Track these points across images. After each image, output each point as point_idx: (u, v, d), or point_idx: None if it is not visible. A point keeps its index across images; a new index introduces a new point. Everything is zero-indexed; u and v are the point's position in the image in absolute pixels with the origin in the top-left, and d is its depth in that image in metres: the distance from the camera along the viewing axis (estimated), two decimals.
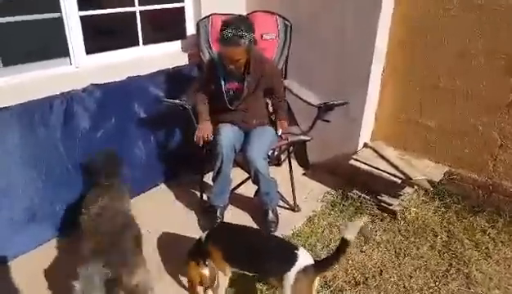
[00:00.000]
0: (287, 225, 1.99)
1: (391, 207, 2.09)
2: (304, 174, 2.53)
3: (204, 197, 2.19)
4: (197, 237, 1.57)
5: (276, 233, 1.91)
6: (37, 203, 1.83)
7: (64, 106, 1.88)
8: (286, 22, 2.15)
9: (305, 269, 1.26)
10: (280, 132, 1.95)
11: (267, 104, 2.14)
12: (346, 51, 2.20)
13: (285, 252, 1.33)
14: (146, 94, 2.18)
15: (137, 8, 2.17)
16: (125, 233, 1.45)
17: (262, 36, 2.11)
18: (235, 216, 2.08)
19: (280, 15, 2.17)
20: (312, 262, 1.29)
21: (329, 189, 2.35)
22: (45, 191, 1.84)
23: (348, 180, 2.33)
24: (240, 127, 1.94)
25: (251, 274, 1.46)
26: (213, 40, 2.14)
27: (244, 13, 2.32)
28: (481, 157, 2.08)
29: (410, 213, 2.08)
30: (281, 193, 2.12)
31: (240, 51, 1.67)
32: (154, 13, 2.30)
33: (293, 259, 1.28)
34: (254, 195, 2.07)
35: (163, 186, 2.38)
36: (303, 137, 2.01)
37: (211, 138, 1.87)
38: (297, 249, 1.33)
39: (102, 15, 2.06)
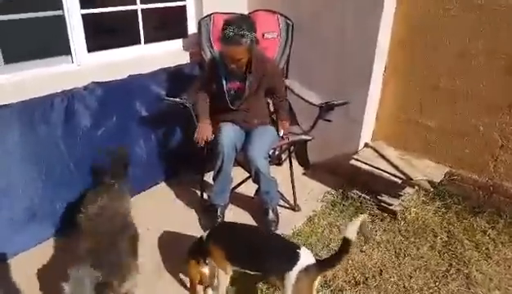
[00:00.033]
0: (287, 225, 1.99)
1: (391, 207, 2.09)
2: (305, 173, 2.53)
3: (205, 196, 2.19)
4: (197, 235, 1.58)
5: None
6: (37, 202, 1.83)
7: (65, 104, 1.88)
8: (288, 21, 2.15)
9: (307, 269, 1.26)
10: (281, 133, 1.95)
11: (269, 103, 2.14)
12: (347, 51, 2.20)
13: (287, 251, 1.33)
14: (148, 92, 2.19)
15: (139, 6, 2.17)
16: (121, 235, 1.44)
17: (263, 35, 2.11)
18: (235, 215, 2.08)
19: (281, 14, 2.17)
20: (314, 261, 1.29)
21: (329, 189, 2.36)
22: (45, 189, 1.84)
23: (349, 180, 2.33)
24: (242, 127, 1.94)
25: (252, 273, 1.46)
26: (215, 39, 2.14)
27: (246, 12, 2.32)
28: (481, 157, 2.08)
29: (410, 213, 2.08)
30: (282, 193, 2.13)
31: (242, 50, 1.67)
32: (155, 11, 2.30)
33: (295, 258, 1.28)
34: (255, 194, 2.07)
35: (163, 185, 2.38)
36: (304, 137, 2.01)
37: (210, 139, 1.87)
38: (299, 248, 1.33)
39: (104, 13, 2.06)
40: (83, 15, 1.92)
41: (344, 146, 2.37)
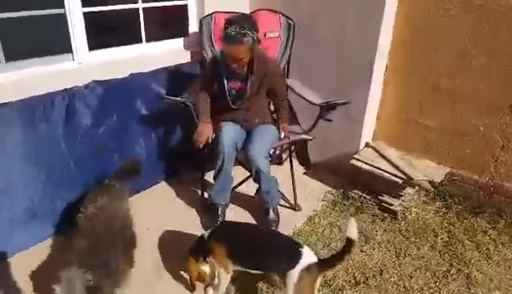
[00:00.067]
0: (288, 224, 1.99)
1: (392, 207, 2.09)
2: (305, 173, 2.53)
3: (205, 195, 2.19)
4: (198, 235, 1.58)
5: None
6: (37, 201, 1.82)
7: (65, 102, 1.87)
8: (289, 21, 2.15)
9: (309, 268, 1.27)
10: (282, 135, 1.95)
11: (270, 102, 2.14)
12: (347, 51, 2.20)
13: (290, 250, 1.34)
14: (148, 91, 2.18)
15: (140, 5, 2.17)
16: (118, 238, 1.43)
17: (265, 34, 2.11)
18: (236, 214, 2.08)
19: (283, 14, 2.17)
20: (316, 260, 1.29)
21: (330, 189, 2.35)
22: (45, 189, 1.83)
23: (349, 180, 2.33)
24: (242, 126, 1.94)
25: (253, 272, 1.46)
26: (216, 38, 2.14)
27: (248, 11, 2.32)
28: (482, 158, 2.08)
29: (410, 213, 2.08)
30: (282, 192, 2.12)
31: (243, 49, 1.67)
32: (157, 10, 2.29)
33: (297, 256, 1.29)
34: (255, 194, 2.07)
35: (163, 184, 2.38)
36: (304, 136, 2.01)
37: (211, 140, 1.86)
38: (301, 247, 1.33)
39: (105, 11, 2.06)
40: (85, 14, 1.92)
41: (345, 146, 2.37)
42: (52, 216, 1.88)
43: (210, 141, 1.88)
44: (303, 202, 2.18)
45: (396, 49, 2.18)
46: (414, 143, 2.30)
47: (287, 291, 1.29)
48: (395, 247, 1.88)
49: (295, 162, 2.35)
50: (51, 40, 2.05)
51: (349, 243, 1.21)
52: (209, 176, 2.07)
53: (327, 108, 1.86)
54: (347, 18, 2.14)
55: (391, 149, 2.33)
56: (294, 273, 1.26)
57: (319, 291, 1.59)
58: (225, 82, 1.85)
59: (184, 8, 2.37)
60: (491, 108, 1.98)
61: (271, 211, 1.98)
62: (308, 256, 1.30)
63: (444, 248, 1.88)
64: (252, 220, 2.04)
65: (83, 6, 1.91)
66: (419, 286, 1.67)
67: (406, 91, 2.23)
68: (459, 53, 1.99)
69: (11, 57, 1.78)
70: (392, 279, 1.69)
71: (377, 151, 2.29)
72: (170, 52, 2.32)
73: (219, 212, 1.98)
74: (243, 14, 1.88)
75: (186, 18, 2.39)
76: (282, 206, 2.14)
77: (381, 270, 1.74)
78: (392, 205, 2.10)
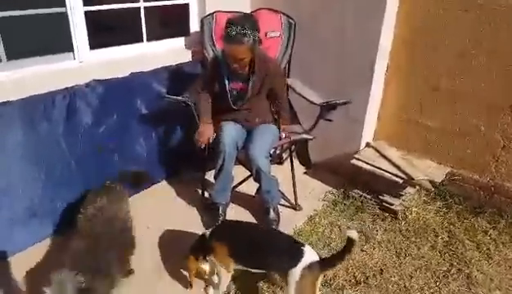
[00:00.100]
0: (288, 224, 1.99)
1: (392, 207, 2.09)
2: (306, 173, 2.53)
3: (206, 194, 2.19)
4: (198, 234, 1.58)
5: None
6: (37, 201, 1.81)
7: (66, 101, 1.87)
8: (290, 20, 2.15)
9: (310, 266, 1.27)
10: (283, 135, 1.95)
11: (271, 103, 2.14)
12: (347, 51, 2.20)
13: (292, 248, 1.34)
14: (149, 90, 2.18)
15: (142, 4, 2.17)
16: (116, 240, 1.42)
17: (266, 34, 2.11)
18: (236, 213, 2.08)
19: (284, 13, 2.17)
20: (318, 259, 1.30)
21: (330, 189, 2.36)
22: (46, 188, 1.83)
23: (350, 180, 2.33)
24: (243, 125, 1.94)
25: (254, 271, 1.47)
26: (217, 37, 2.14)
27: (249, 10, 2.32)
28: (483, 158, 2.08)
29: (411, 213, 2.08)
30: (283, 192, 2.12)
31: (244, 49, 1.66)
32: (158, 9, 2.30)
33: (299, 255, 1.29)
34: (256, 193, 2.06)
35: (164, 183, 2.38)
36: (305, 136, 2.01)
37: (211, 140, 1.87)
38: (303, 245, 1.34)
39: (106, 10, 2.06)
40: (86, 13, 1.93)
41: (346, 146, 2.37)
42: (52, 215, 1.88)
43: (211, 141, 1.88)
44: (303, 202, 2.18)
45: (397, 49, 2.18)
46: (414, 143, 2.30)
47: (289, 290, 1.30)
48: (395, 247, 1.88)
49: (296, 162, 2.35)
50: (52, 39, 2.05)
51: (350, 243, 1.22)
52: (210, 176, 2.07)
53: (328, 107, 1.86)
54: (348, 18, 2.14)
55: (392, 149, 2.33)
56: (296, 272, 1.27)
57: (320, 291, 1.59)
58: (226, 82, 1.85)
59: (185, 7, 2.37)
60: (492, 108, 1.98)
61: (271, 210, 1.99)
62: (310, 255, 1.30)
63: (444, 248, 1.88)
64: (252, 220, 2.04)
65: (85, 4, 1.91)
66: (419, 285, 1.67)
67: (407, 91, 2.23)
68: (459, 53, 1.99)
69: (12, 56, 1.79)
70: (393, 279, 1.69)
71: (378, 151, 2.29)
72: (171, 51, 2.33)
73: (220, 211, 1.98)
74: (245, 14, 1.88)
75: (188, 17, 2.39)
76: (283, 205, 2.14)
77: (381, 270, 1.74)
78: (392, 205, 2.10)
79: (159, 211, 2.10)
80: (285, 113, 2.03)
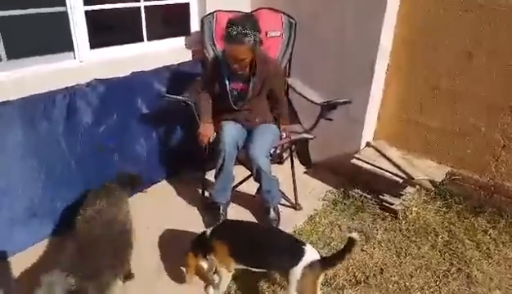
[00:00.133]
0: (288, 223, 1.99)
1: (392, 207, 2.10)
2: (306, 172, 2.53)
3: (206, 193, 2.19)
4: (198, 233, 1.58)
5: None
6: (37, 201, 1.81)
7: (67, 101, 1.87)
8: (291, 20, 2.15)
9: (311, 265, 1.28)
10: (284, 135, 1.96)
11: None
12: (348, 51, 2.20)
13: (293, 247, 1.35)
14: (150, 90, 2.18)
15: (142, 3, 2.17)
16: (113, 243, 1.40)
17: (266, 33, 2.11)
18: (236, 213, 2.08)
19: (284, 13, 2.17)
20: (319, 258, 1.30)
21: (330, 188, 2.36)
22: (46, 188, 1.83)
23: (350, 179, 2.34)
24: (243, 125, 1.94)
25: (255, 270, 1.47)
26: (218, 37, 2.14)
27: (249, 10, 2.32)
28: (483, 158, 2.08)
29: (411, 213, 2.08)
30: (283, 192, 2.12)
31: (245, 49, 1.66)
32: (158, 9, 2.29)
33: (300, 254, 1.30)
34: (256, 193, 2.06)
35: (164, 183, 2.38)
36: (305, 135, 2.01)
37: (212, 139, 1.87)
38: (304, 244, 1.35)
39: (107, 9, 2.06)
40: (86, 12, 1.92)
41: (346, 145, 2.37)
42: (52, 215, 1.88)
43: (211, 141, 1.88)
44: (303, 202, 2.18)
45: (397, 49, 2.18)
46: (414, 143, 2.30)
47: (290, 289, 1.30)
48: (396, 247, 1.88)
49: (296, 162, 2.35)
50: (52, 38, 2.05)
51: (350, 243, 1.22)
52: (210, 175, 2.07)
53: (328, 107, 1.87)
54: (348, 17, 2.14)
55: (392, 149, 2.33)
56: (297, 271, 1.27)
57: (320, 290, 1.60)
58: (226, 82, 1.84)
59: (186, 7, 2.37)
60: (492, 108, 1.98)
61: (271, 210, 1.99)
62: (311, 254, 1.31)
63: (444, 247, 1.88)
64: (253, 219, 2.04)
65: (85, 4, 1.91)
66: (419, 285, 1.67)
67: (407, 91, 2.24)
68: (459, 53, 2.00)
69: (12, 55, 1.78)
70: (393, 278, 1.70)
71: (378, 151, 2.30)
72: (172, 51, 2.32)
73: (221, 211, 1.99)
74: (246, 14, 1.88)
75: (188, 16, 2.39)
76: (283, 205, 2.14)
77: (382, 269, 1.74)
78: (392, 204, 2.10)
79: (159, 210, 2.10)
80: (285, 114, 2.03)
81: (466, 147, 2.13)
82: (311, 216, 2.09)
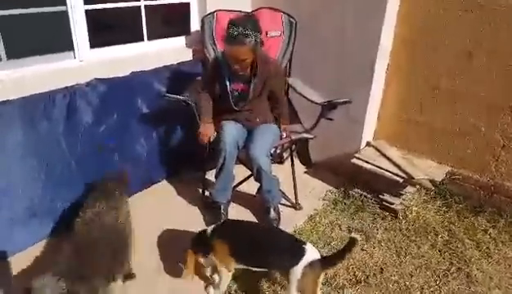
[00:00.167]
0: (288, 223, 1.99)
1: (392, 206, 2.10)
2: (306, 172, 2.53)
3: (206, 193, 2.19)
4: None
5: None
6: (37, 201, 1.81)
7: (67, 100, 1.86)
8: (291, 19, 2.15)
9: (312, 264, 1.28)
10: (284, 135, 1.96)
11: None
12: (348, 51, 2.20)
13: (293, 247, 1.35)
14: (150, 89, 2.18)
15: (142, 3, 2.17)
16: (110, 246, 1.38)
17: (267, 33, 2.11)
18: (237, 213, 2.08)
19: (285, 13, 2.16)
20: (319, 257, 1.31)
21: (330, 188, 2.36)
22: (46, 188, 1.82)
23: (350, 179, 2.34)
24: (244, 125, 1.94)
25: (255, 270, 1.47)
26: (218, 36, 2.14)
27: (250, 9, 2.32)
28: (483, 157, 2.09)
29: (411, 212, 2.09)
30: (283, 191, 2.13)
31: (246, 50, 1.65)
32: (159, 8, 2.29)
33: (300, 253, 1.30)
34: (256, 193, 2.06)
35: (164, 183, 2.37)
36: (305, 135, 2.01)
37: (212, 139, 1.87)
38: (305, 244, 1.35)
39: (107, 9, 2.05)
40: (86, 11, 1.92)
41: (346, 145, 2.37)
42: (53, 215, 1.87)
43: (212, 140, 1.88)
44: (303, 201, 2.18)
45: (397, 49, 2.19)
46: (414, 143, 2.30)
47: (290, 288, 1.30)
48: (396, 246, 1.89)
49: (296, 161, 2.35)
50: (52, 38, 2.04)
51: (352, 243, 1.23)
52: (210, 175, 2.07)
53: (328, 107, 1.87)
54: (348, 17, 2.14)
55: (392, 149, 2.33)
56: (298, 270, 1.28)
57: (320, 290, 1.60)
58: (227, 83, 1.84)
59: (186, 6, 2.37)
60: (492, 108, 1.99)
61: (272, 210, 1.99)
62: (311, 253, 1.31)
63: (444, 247, 1.89)
64: (253, 219, 2.04)
65: (85, 3, 1.90)
66: (419, 284, 1.67)
67: (407, 91, 2.24)
68: (459, 53, 2.00)
69: (12, 55, 1.78)
70: (393, 278, 1.70)
71: (378, 150, 2.30)
72: (172, 50, 2.32)
73: (222, 210, 1.99)
74: (247, 14, 1.87)
75: (188, 16, 2.39)
76: (283, 205, 2.14)
77: (382, 269, 1.75)
78: (392, 204, 2.10)
79: (159, 210, 2.10)
80: (285, 114, 2.03)
81: (466, 147, 2.13)
82: (311, 215, 2.09)
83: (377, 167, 2.15)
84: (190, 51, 2.37)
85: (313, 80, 2.16)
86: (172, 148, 2.37)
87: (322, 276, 1.34)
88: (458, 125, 2.12)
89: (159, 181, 2.37)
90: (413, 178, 2.05)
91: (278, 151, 2.05)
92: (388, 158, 2.21)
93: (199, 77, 2.16)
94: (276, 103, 2.00)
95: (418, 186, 2.19)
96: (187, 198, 2.23)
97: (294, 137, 2.00)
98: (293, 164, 2.15)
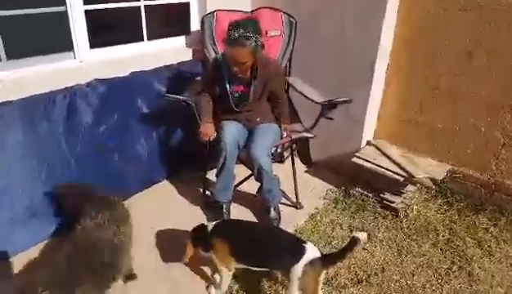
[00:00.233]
0: (289, 222, 1.99)
1: (393, 205, 2.10)
2: (307, 171, 2.53)
3: (207, 192, 2.19)
4: None
5: None
6: (37, 201, 1.80)
7: (67, 101, 1.87)
8: (291, 19, 2.15)
9: (312, 262, 1.28)
10: (285, 134, 1.96)
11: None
12: (348, 51, 2.20)
13: (293, 246, 1.35)
14: (150, 89, 2.18)
15: (142, 3, 2.17)
16: (100, 263, 1.33)
17: (267, 33, 2.11)
18: (237, 212, 2.08)
19: (285, 12, 2.17)
20: (320, 255, 1.30)
21: (331, 187, 2.36)
22: (46, 188, 1.82)
23: (351, 178, 2.34)
24: (244, 125, 1.94)
25: (255, 269, 1.46)
26: (218, 36, 2.14)
27: (249, 9, 2.32)
28: (483, 156, 2.09)
29: (412, 211, 2.08)
30: (284, 191, 2.12)
31: (246, 52, 1.65)
32: (158, 8, 2.29)
33: (301, 252, 1.30)
34: (257, 192, 2.06)
35: (165, 182, 2.37)
36: (306, 134, 2.01)
37: (212, 139, 1.87)
38: (305, 242, 1.35)
39: (107, 9, 2.05)
40: (86, 11, 1.92)
41: (346, 144, 2.37)
42: (53, 215, 1.86)
43: (212, 140, 1.87)
44: (304, 201, 2.18)
45: (397, 48, 2.19)
46: (414, 142, 2.30)
47: (292, 287, 1.30)
48: (397, 245, 1.88)
49: (297, 161, 2.35)
50: (52, 38, 2.04)
51: (353, 242, 1.22)
52: (211, 175, 2.06)
53: (328, 106, 1.87)
54: (348, 17, 2.14)
55: (392, 147, 2.33)
56: (298, 268, 1.28)
57: (321, 289, 1.59)
58: (227, 85, 1.84)
59: (186, 6, 2.37)
60: (492, 107, 1.99)
61: (272, 209, 1.99)
62: (312, 251, 1.31)
63: (446, 245, 1.88)
64: (253, 218, 2.04)
65: (85, 3, 1.90)
66: (421, 283, 1.67)
67: (407, 91, 2.24)
68: (459, 53, 2.00)
69: (12, 55, 1.78)
70: (394, 277, 1.70)
71: (378, 149, 2.30)
72: (172, 50, 2.32)
73: (224, 210, 1.98)
74: (248, 16, 1.87)
75: (188, 16, 2.39)
76: (284, 204, 2.14)
77: (383, 268, 1.74)
78: (393, 203, 2.10)
79: (160, 210, 2.10)
80: (285, 113, 2.03)
81: (466, 146, 2.13)
82: (312, 214, 2.09)
83: (377, 165, 2.15)
84: (190, 50, 2.37)
85: (313, 80, 2.16)
86: (173, 148, 2.37)
87: (323, 274, 1.33)
88: (458, 124, 2.12)
89: (160, 181, 2.36)
90: (414, 177, 2.05)
91: (279, 150, 2.05)
92: (389, 157, 2.21)
93: (199, 78, 2.16)
94: (277, 102, 2.00)
95: (419, 185, 2.19)
96: (188, 197, 2.22)
97: (294, 136, 2.00)
98: (293, 163, 2.15)
